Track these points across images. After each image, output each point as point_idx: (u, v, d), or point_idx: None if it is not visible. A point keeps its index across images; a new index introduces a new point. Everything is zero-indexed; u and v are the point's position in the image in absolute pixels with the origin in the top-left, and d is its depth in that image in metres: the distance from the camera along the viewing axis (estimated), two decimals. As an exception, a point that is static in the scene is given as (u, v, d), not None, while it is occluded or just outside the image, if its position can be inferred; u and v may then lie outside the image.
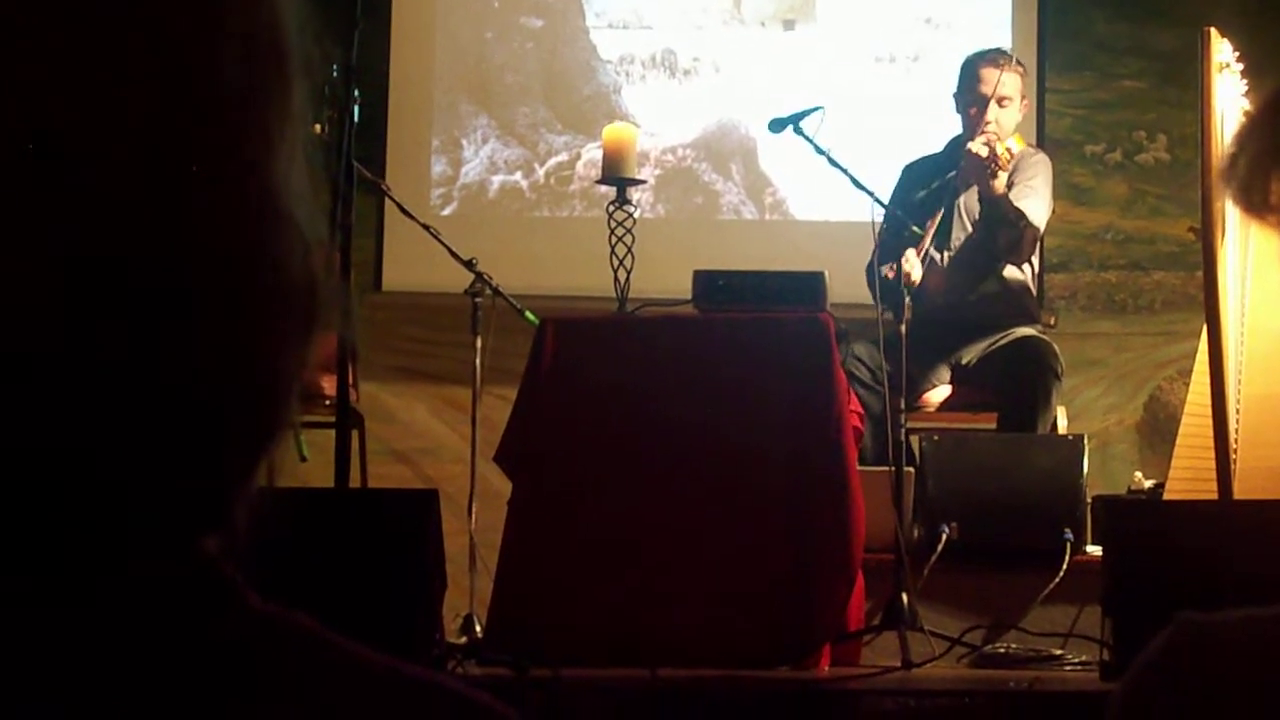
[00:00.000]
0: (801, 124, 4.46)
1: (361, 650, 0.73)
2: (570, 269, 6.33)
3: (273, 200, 0.71)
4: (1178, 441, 4.48)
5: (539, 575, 3.93)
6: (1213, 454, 4.11)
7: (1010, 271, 5.17)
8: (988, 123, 5.04)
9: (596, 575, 3.90)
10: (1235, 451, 4.18)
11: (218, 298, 0.69)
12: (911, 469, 4.42)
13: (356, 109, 4.13)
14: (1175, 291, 6.61)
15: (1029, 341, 5.08)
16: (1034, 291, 5.38)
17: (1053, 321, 5.62)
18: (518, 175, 6.78)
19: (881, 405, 4.65)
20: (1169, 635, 0.90)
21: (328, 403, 4.24)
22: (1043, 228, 5.20)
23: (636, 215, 4.41)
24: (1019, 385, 4.95)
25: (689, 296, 4.29)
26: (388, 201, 5.36)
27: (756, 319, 4.12)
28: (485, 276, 4.81)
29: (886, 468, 4.26)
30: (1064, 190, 6.21)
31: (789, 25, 6.74)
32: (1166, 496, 4.45)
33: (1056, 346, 5.10)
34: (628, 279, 4.30)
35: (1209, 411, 4.15)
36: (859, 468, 4.05)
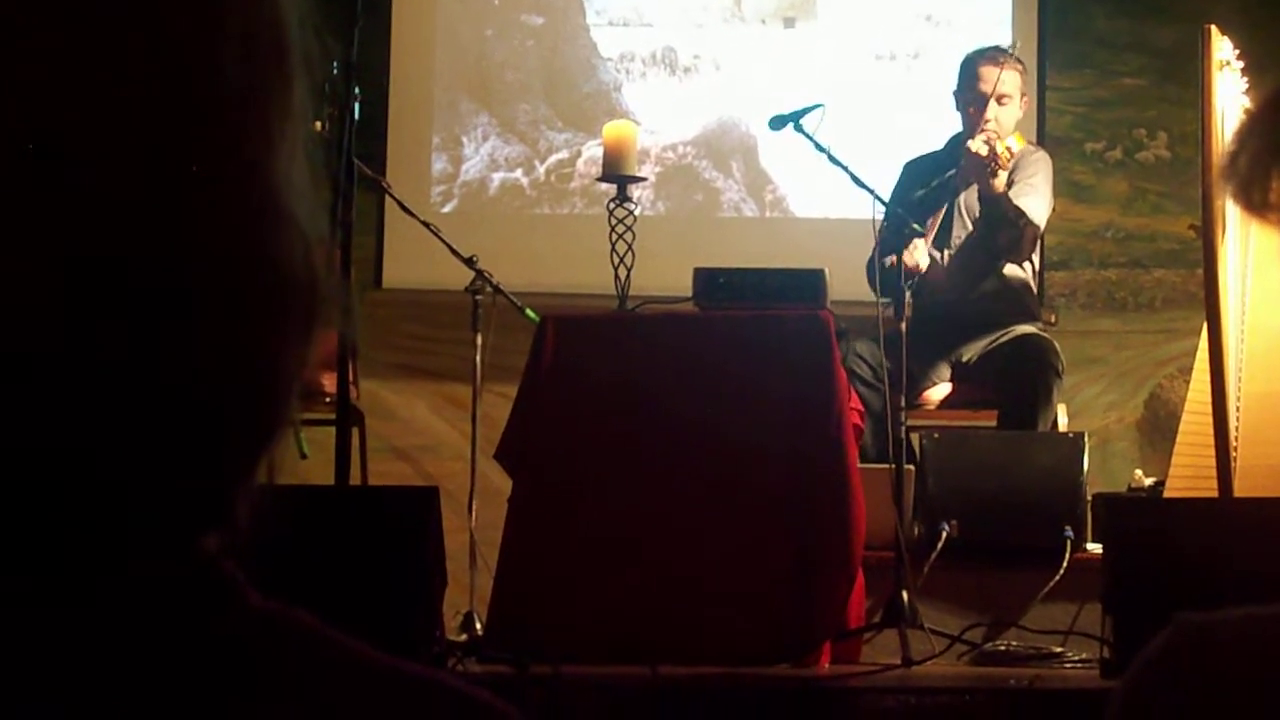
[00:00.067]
0: (802, 121, 4.45)
1: (362, 648, 0.73)
2: (571, 266, 6.33)
3: (273, 199, 0.71)
4: (1178, 439, 4.48)
5: (539, 573, 3.93)
6: (1213, 452, 4.11)
7: (1011, 269, 5.17)
8: (987, 121, 5.04)
9: (597, 572, 3.90)
10: (1235, 449, 4.18)
11: (218, 297, 0.69)
12: (912, 466, 4.42)
13: (357, 106, 4.13)
14: (1176, 289, 6.61)
15: (1029, 339, 5.08)
16: (1034, 289, 5.37)
17: (1053, 319, 5.63)
18: (518, 172, 6.78)
19: (882, 403, 4.65)
20: (1169, 634, 0.90)
21: (328, 400, 4.25)
22: (1043, 226, 5.20)
23: (637, 213, 4.41)
24: (1019, 383, 4.95)
25: (689, 294, 4.29)
26: (388, 199, 5.35)
27: (757, 316, 4.12)
28: (486, 274, 4.81)
29: (887, 465, 4.26)
30: (1064, 188, 6.21)
31: (789, 23, 6.74)
32: (1167, 494, 4.45)
33: (1057, 344, 5.10)
34: (628, 276, 4.29)
35: (1209, 409, 4.15)
36: (859, 465, 4.05)
